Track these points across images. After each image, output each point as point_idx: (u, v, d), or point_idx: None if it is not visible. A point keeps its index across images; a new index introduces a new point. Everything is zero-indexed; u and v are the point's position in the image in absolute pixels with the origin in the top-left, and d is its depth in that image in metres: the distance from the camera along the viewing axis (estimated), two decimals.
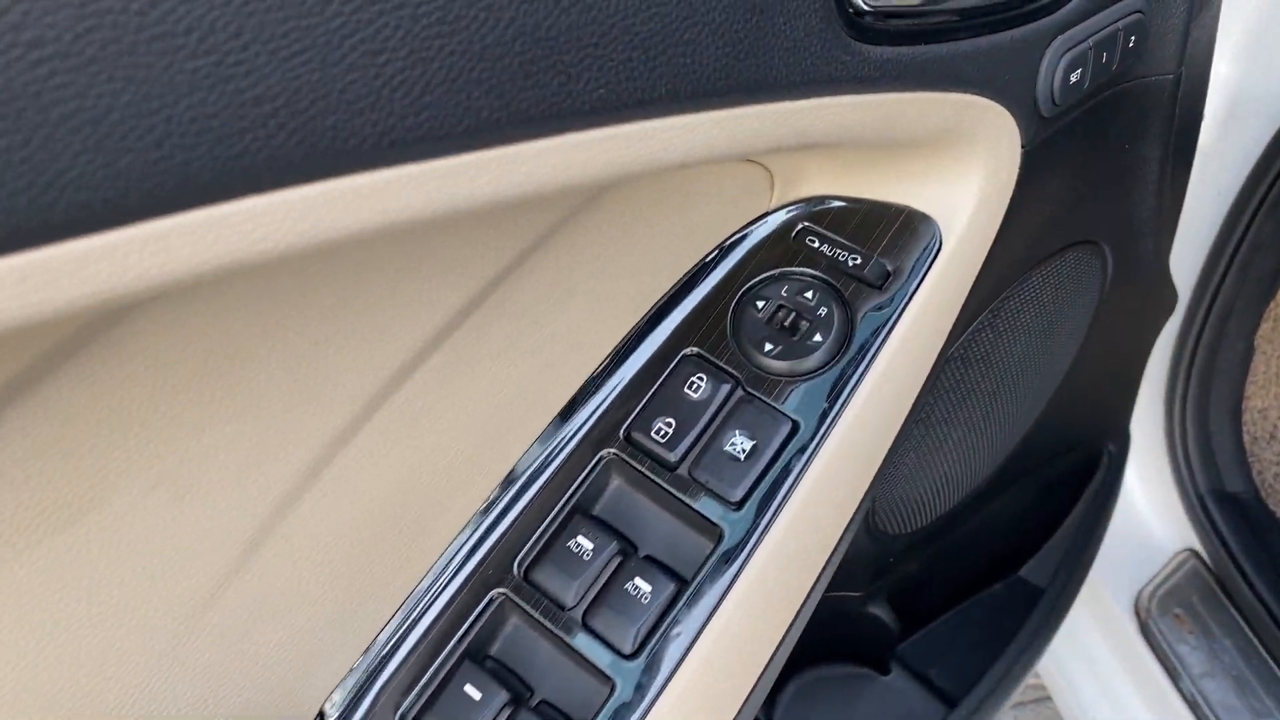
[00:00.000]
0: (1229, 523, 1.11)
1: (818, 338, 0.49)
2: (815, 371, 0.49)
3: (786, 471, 0.47)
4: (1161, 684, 1.06)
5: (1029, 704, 1.42)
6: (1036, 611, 0.84)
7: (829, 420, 0.48)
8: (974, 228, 0.51)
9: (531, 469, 0.49)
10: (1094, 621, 1.14)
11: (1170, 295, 0.84)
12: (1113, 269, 0.72)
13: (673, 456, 0.48)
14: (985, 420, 0.71)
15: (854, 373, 0.49)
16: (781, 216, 0.52)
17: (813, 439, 0.48)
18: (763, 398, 0.48)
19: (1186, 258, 1.08)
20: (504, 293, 0.45)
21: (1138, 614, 1.10)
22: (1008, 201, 0.52)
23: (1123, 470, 0.95)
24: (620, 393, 0.49)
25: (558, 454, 0.48)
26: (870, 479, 0.50)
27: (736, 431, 0.48)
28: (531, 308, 0.46)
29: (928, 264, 0.50)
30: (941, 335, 0.52)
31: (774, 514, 0.47)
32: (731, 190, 0.50)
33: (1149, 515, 1.15)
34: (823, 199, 0.52)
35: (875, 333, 0.49)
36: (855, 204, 0.52)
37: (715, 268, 0.52)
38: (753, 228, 0.52)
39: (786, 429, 0.48)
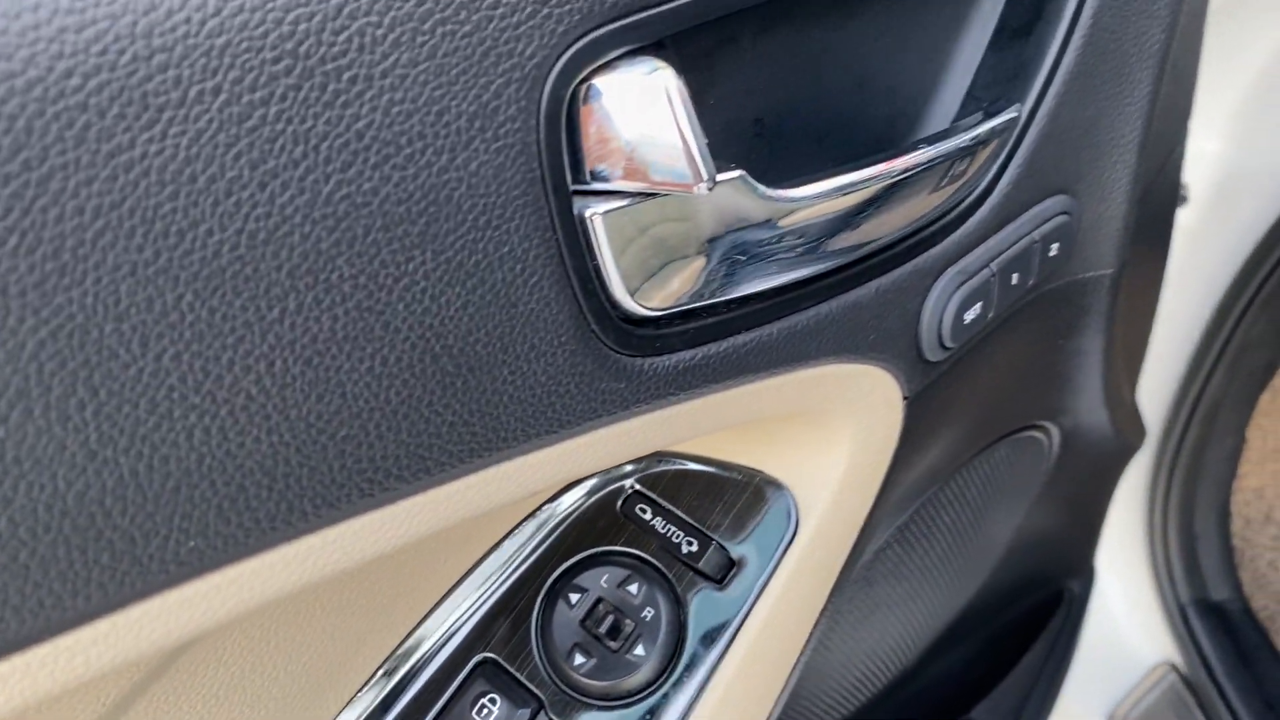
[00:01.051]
0: (1210, 635, 1.01)
1: (640, 650, 0.39)
2: (636, 695, 0.39)
3: None
4: None
5: None
6: None
7: None
8: (843, 500, 0.41)
9: None
10: None
11: (1136, 433, 0.74)
12: (1059, 440, 0.62)
13: None
14: (903, 622, 0.62)
15: (680, 697, 0.39)
16: (611, 482, 0.42)
17: None
18: None
19: (1169, 356, 0.97)
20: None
21: None
22: (890, 458, 0.42)
23: (1085, 607, 0.85)
24: (397, 717, 0.40)
25: None
26: None
27: None
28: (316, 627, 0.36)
29: (780, 552, 0.40)
30: (806, 626, 0.42)
31: None
32: None
33: (1127, 627, 1.06)
34: (660, 457, 0.42)
35: (711, 644, 0.39)
36: (698, 464, 0.42)
37: (525, 542, 0.42)
38: (573, 488, 0.42)
39: None
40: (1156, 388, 0.99)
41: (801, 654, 0.43)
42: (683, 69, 0.29)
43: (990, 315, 0.41)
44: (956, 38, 0.39)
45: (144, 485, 0.22)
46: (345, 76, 0.22)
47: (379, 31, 0.22)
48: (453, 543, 0.39)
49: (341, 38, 0.22)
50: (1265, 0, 0.80)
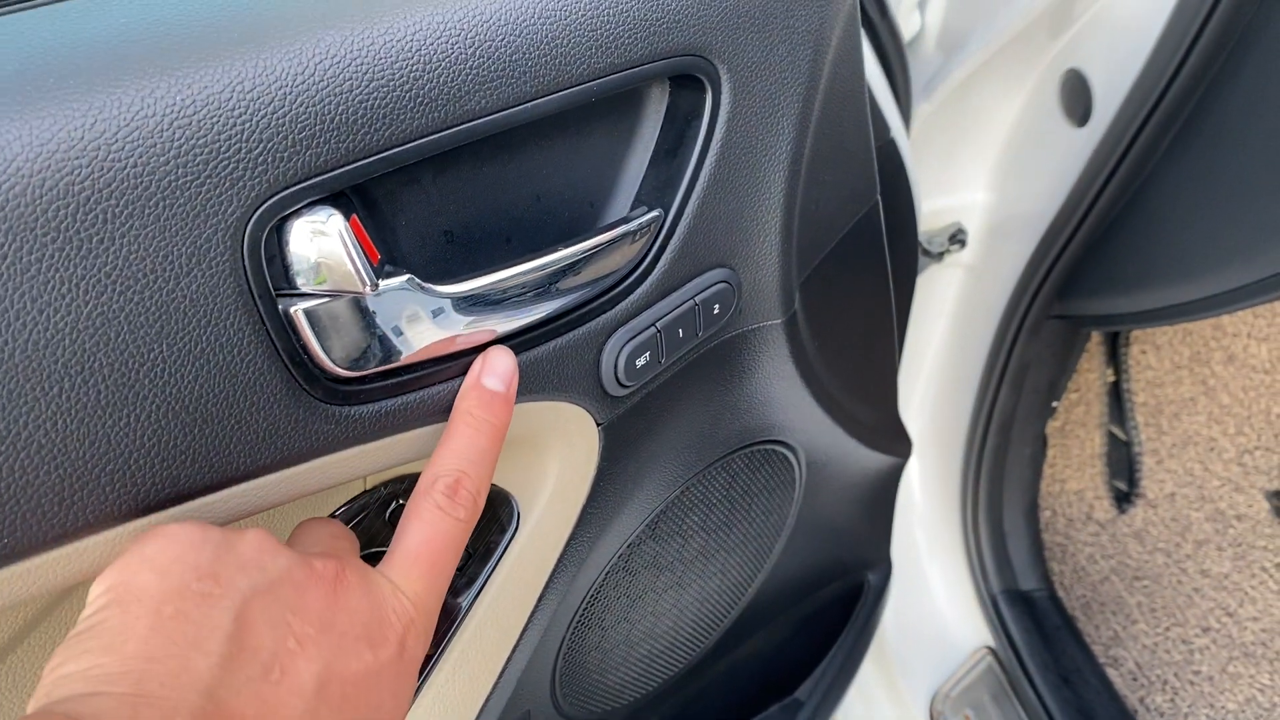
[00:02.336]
0: (1020, 623, 1.15)
1: None
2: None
3: None
4: None
5: None
6: None
7: None
8: (555, 503, 0.54)
9: None
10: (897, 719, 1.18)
11: (899, 448, 0.87)
12: (804, 455, 0.75)
13: None
14: (677, 609, 0.75)
15: (434, 652, 0.52)
16: (379, 494, 0.55)
17: None
18: None
19: (963, 377, 1.12)
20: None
21: (932, 715, 1.14)
22: (593, 470, 0.56)
23: (885, 597, 0.99)
24: None
25: None
26: None
27: None
28: None
29: (505, 543, 0.53)
30: (529, 600, 0.56)
31: None
32: None
33: (950, 615, 1.20)
34: (413, 476, 0.55)
35: (449, 618, 0.53)
36: None
37: None
38: (354, 504, 0.55)
39: None
40: (957, 403, 1.13)
41: (526, 627, 0.56)
42: (367, 206, 0.43)
43: (662, 361, 0.55)
44: (625, 158, 0.53)
45: None
46: (94, 239, 0.35)
47: (116, 209, 0.36)
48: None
49: (90, 216, 0.35)
50: (1003, 75, 0.96)
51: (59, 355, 0.36)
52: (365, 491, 0.55)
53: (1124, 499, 1.43)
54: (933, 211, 1.06)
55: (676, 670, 0.82)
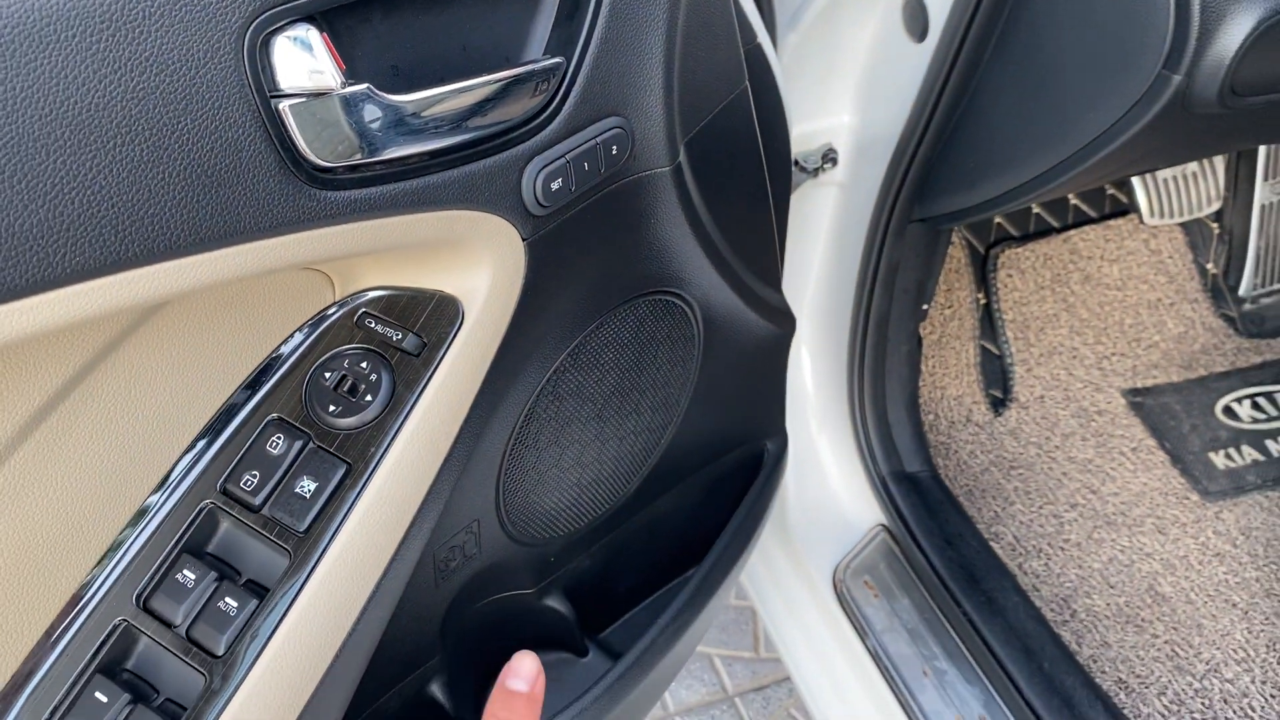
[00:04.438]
0: (907, 499, 1.31)
1: (369, 398, 0.65)
2: (368, 424, 0.64)
3: (341, 503, 0.62)
4: (853, 642, 1.24)
5: (762, 690, 1.60)
6: (689, 583, 1.01)
7: (375, 461, 0.63)
8: (491, 303, 0.67)
9: (146, 520, 0.63)
10: (807, 593, 1.33)
11: (783, 322, 1.02)
12: (699, 310, 0.89)
13: (257, 501, 0.62)
14: (600, 440, 0.88)
15: (395, 422, 0.64)
16: (346, 306, 0.67)
17: (362, 476, 0.63)
18: (325, 448, 0.64)
19: (843, 278, 1.28)
20: (92, 384, 0.59)
21: (835, 585, 1.29)
22: (521, 280, 0.69)
23: (783, 463, 1.13)
24: (217, 454, 0.64)
25: (162, 508, 0.62)
26: (418, 503, 0.66)
27: (304, 476, 0.63)
28: (123, 397, 0.60)
29: (453, 334, 0.66)
30: (475, 383, 0.68)
31: (332, 536, 0.62)
32: (296, 291, 0.65)
33: (845, 497, 1.35)
34: (377, 288, 0.67)
35: (411, 389, 0.65)
36: (401, 291, 0.67)
37: (294, 351, 0.66)
38: (326, 313, 0.67)
39: (341, 470, 0.63)
40: (839, 305, 1.29)
41: (467, 419, 0.68)
42: (333, 35, 0.56)
43: (573, 188, 0.68)
44: (533, 20, 0.66)
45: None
46: (136, 28, 0.47)
47: (150, 8, 0.48)
48: (253, 338, 0.64)
49: (132, 11, 0.47)
50: (855, 4, 1.12)
51: (111, 117, 0.47)
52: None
53: (999, 404, 1.61)
54: (808, 134, 1.21)
55: (603, 510, 0.94)
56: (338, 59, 0.54)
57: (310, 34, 0.53)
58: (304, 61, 0.53)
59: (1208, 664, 1.27)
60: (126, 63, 0.48)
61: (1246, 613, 1.33)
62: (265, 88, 0.53)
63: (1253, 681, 1.26)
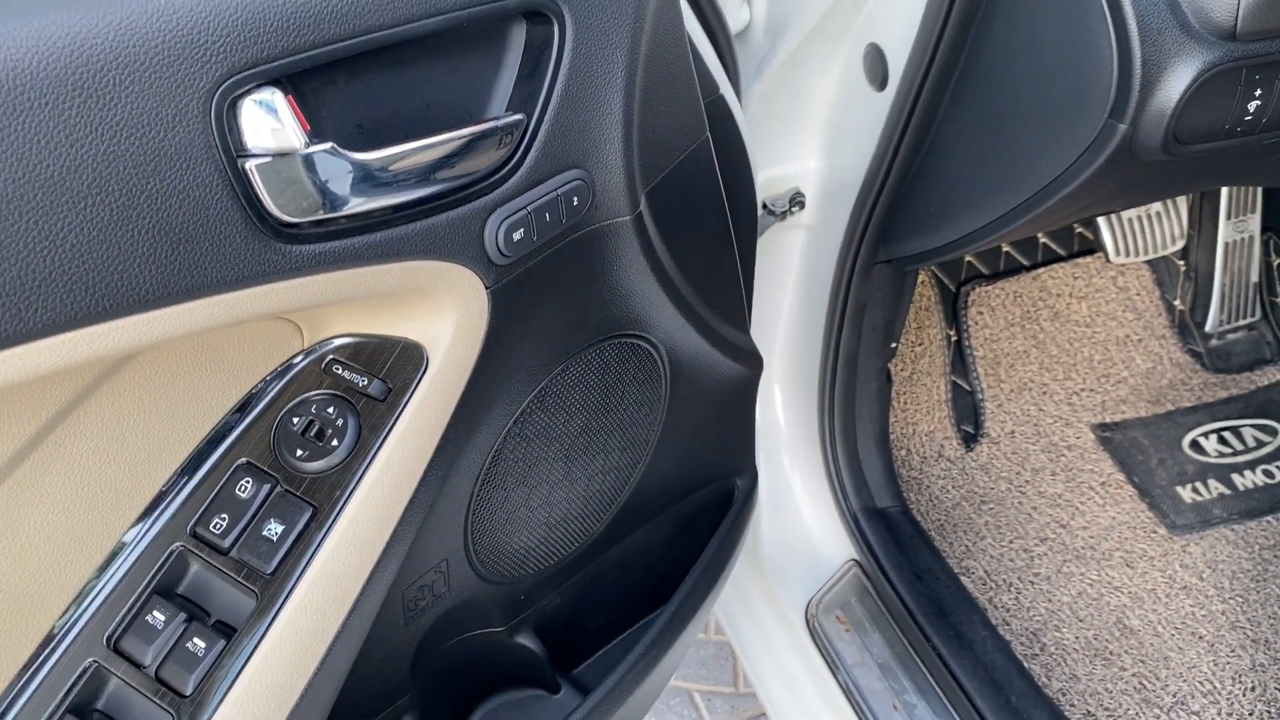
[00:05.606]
0: (878, 534, 1.33)
1: (335, 442, 0.67)
2: (334, 468, 0.66)
3: (307, 545, 0.64)
4: (825, 676, 1.26)
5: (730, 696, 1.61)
6: (659, 619, 1.03)
7: (341, 503, 0.65)
8: (455, 349, 0.70)
9: (117, 563, 0.64)
10: (780, 628, 1.34)
11: (750, 363, 1.04)
12: (666, 353, 0.92)
13: (226, 543, 0.64)
14: (568, 480, 0.90)
15: (360, 465, 0.66)
16: (314, 353, 0.69)
17: (328, 519, 0.65)
18: (292, 491, 0.66)
19: (812, 317, 1.30)
20: (64, 431, 0.61)
21: (807, 619, 1.30)
22: (485, 326, 0.71)
23: (753, 500, 1.15)
24: (188, 498, 0.66)
25: (134, 550, 0.64)
26: (383, 544, 0.68)
27: (272, 519, 0.65)
28: (96, 443, 0.62)
29: (418, 379, 0.68)
30: (440, 426, 0.70)
31: (298, 577, 0.64)
32: (265, 340, 0.67)
33: (817, 533, 1.37)
34: (345, 337, 0.70)
35: (376, 433, 0.67)
36: (367, 339, 0.69)
37: (264, 397, 0.68)
38: (294, 360, 0.69)
39: (308, 513, 0.65)
40: (809, 344, 1.31)
41: (432, 462, 0.70)
42: (299, 96, 0.58)
43: (535, 238, 0.71)
44: (495, 78, 0.69)
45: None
46: (106, 96, 0.50)
47: (121, 76, 0.50)
48: (224, 384, 0.66)
49: (104, 79, 0.50)
50: (819, 53, 1.16)
51: (82, 179, 0.50)
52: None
53: (970, 439, 1.63)
54: (776, 178, 1.24)
55: (573, 549, 0.96)
56: (302, 120, 0.57)
57: (275, 97, 0.56)
58: (269, 123, 0.56)
59: (1175, 696, 1.29)
60: (98, 127, 0.50)
61: (1213, 645, 1.35)
62: (232, 148, 0.55)
63: (1218, 714, 1.28)
